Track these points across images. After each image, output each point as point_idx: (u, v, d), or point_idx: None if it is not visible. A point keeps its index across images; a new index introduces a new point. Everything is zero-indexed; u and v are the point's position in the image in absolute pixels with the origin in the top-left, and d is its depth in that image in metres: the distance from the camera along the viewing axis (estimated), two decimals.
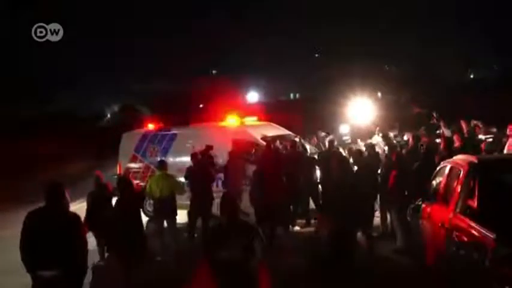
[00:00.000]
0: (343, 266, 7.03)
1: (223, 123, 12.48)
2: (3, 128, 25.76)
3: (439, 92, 30.79)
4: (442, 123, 12.21)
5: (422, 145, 10.35)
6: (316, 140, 12.62)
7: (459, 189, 6.02)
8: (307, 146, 12.21)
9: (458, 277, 5.60)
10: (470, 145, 9.81)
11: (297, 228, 10.70)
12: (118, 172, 12.98)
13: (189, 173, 10.07)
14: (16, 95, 34.71)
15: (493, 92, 28.93)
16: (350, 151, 10.84)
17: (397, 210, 8.58)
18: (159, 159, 11.02)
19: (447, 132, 11.27)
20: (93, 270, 7.19)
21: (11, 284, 6.70)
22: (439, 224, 6.26)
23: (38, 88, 38.62)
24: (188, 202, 10.05)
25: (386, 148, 10.44)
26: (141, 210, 7.52)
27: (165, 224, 9.43)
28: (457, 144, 9.87)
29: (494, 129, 11.39)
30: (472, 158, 6.49)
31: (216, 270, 4.66)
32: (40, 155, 22.43)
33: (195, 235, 9.88)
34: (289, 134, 12.83)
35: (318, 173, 11.12)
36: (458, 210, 5.83)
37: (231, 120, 12.27)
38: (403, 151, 10.11)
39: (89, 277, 6.09)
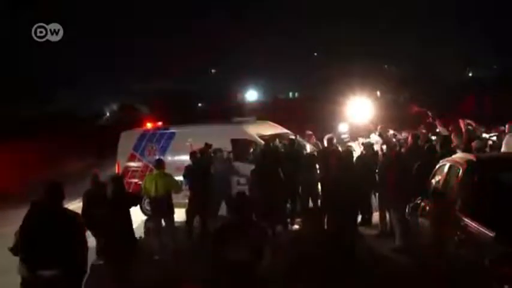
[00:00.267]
0: (342, 264, 7.01)
1: (221, 122, 12.47)
2: (3, 128, 25.71)
3: (438, 91, 30.83)
4: (437, 122, 12.20)
5: (424, 144, 10.34)
6: (314, 138, 12.59)
7: (458, 188, 6.01)
8: (307, 145, 12.19)
9: (457, 276, 5.58)
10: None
11: (296, 227, 10.68)
12: (117, 171, 12.97)
13: (188, 171, 10.05)
14: (16, 95, 34.66)
15: (492, 90, 28.97)
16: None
17: (396, 209, 8.56)
18: (157, 157, 11.01)
19: (444, 131, 11.26)
20: (90, 269, 7.18)
21: (12, 282, 6.64)
22: (438, 223, 6.24)
23: (38, 88, 38.60)
24: (185, 201, 10.03)
25: (384, 147, 10.42)
26: (130, 209, 7.47)
27: (163, 222, 9.41)
28: (454, 143, 9.86)
29: (483, 129, 11.42)
30: (471, 157, 6.47)
31: (220, 270, 4.63)
32: (40, 154, 22.40)
33: (193, 234, 9.88)
34: (288, 133, 12.82)
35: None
36: (457, 208, 5.81)
37: (229, 119, 12.26)
38: (402, 150, 10.08)
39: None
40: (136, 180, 11.84)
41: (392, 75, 43.21)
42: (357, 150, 11.32)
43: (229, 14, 52.76)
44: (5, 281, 6.74)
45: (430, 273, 6.57)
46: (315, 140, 12.55)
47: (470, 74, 47.23)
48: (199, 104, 45.49)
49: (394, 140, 11.66)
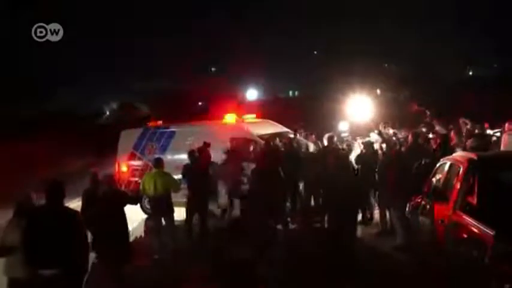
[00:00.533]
0: (342, 263, 7.02)
1: (221, 121, 12.46)
2: (4, 128, 25.69)
3: (438, 90, 30.82)
4: (435, 121, 12.22)
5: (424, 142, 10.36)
6: (314, 137, 12.59)
7: (459, 186, 6.01)
8: (311, 144, 12.19)
9: (457, 274, 5.58)
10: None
11: (296, 226, 10.67)
12: (116, 169, 12.97)
13: (187, 170, 10.04)
14: (16, 95, 34.63)
15: (492, 89, 28.96)
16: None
17: (396, 207, 8.56)
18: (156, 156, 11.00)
19: (442, 131, 11.28)
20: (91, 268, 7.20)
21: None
22: (439, 221, 6.24)
23: (38, 88, 38.57)
24: (184, 200, 10.02)
25: (384, 145, 10.43)
26: (130, 208, 7.49)
27: (163, 221, 9.41)
28: (454, 141, 9.87)
29: (478, 126, 11.44)
30: (472, 155, 6.47)
31: (223, 266, 4.65)
32: (40, 153, 22.40)
33: (192, 233, 9.88)
34: (288, 132, 12.81)
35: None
36: (457, 207, 5.81)
37: (230, 118, 12.25)
38: (402, 149, 10.08)
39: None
40: (136, 179, 11.84)
41: (392, 73, 43.20)
42: (357, 149, 11.34)
43: (229, 14, 52.82)
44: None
45: (430, 271, 6.58)
46: (315, 138, 12.55)
47: (470, 73, 47.23)
48: (199, 103, 45.42)
49: (394, 138, 11.68)
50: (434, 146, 9.73)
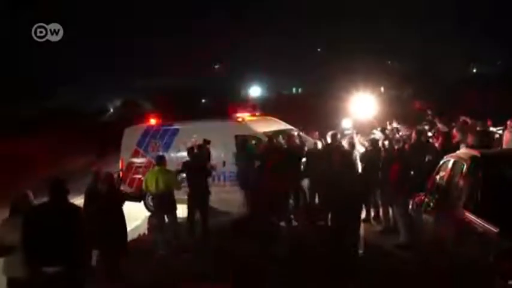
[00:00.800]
0: (344, 261, 7.02)
1: (225, 118, 12.47)
2: (4, 127, 25.71)
3: (441, 87, 30.77)
4: (437, 119, 12.22)
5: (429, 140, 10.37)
6: (318, 134, 12.58)
7: (462, 184, 6.00)
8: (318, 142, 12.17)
9: (461, 272, 5.57)
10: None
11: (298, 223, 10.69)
12: (120, 167, 13.00)
13: (186, 167, 10.07)
14: (16, 95, 34.66)
15: (496, 86, 28.88)
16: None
17: (399, 205, 8.56)
18: (160, 154, 11.02)
19: (444, 128, 11.28)
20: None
21: None
22: (442, 219, 6.24)
23: (38, 87, 38.58)
24: (185, 197, 10.05)
25: (386, 143, 10.43)
26: (123, 208, 7.51)
27: (166, 219, 9.44)
28: (456, 139, 9.86)
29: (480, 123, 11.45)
30: (475, 152, 6.46)
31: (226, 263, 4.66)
32: (41, 152, 22.42)
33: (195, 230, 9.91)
34: (292, 129, 12.82)
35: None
36: (461, 204, 5.80)
37: (233, 115, 12.26)
38: (406, 146, 10.08)
39: None
40: (140, 176, 11.86)
41: (395, 71, 43.13)
42: (357, 146, 11.34)
43: (231, 12, 52.80)
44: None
45: (433, 270, 6.58)
46: (318, 135, 12.53)
47: (474, 70, 47.11)
48: (203, 100, 45.47)
49: (397, 135, 11.67)
50: (436, 144, 9.73)
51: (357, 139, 11.74)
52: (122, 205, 7.36)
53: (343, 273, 6.82)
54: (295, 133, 12.05)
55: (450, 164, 6.84)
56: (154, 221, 10.25)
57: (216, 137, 11.36)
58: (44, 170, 16.62)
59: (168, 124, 13.17)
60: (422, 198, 7.50)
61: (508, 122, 10.48)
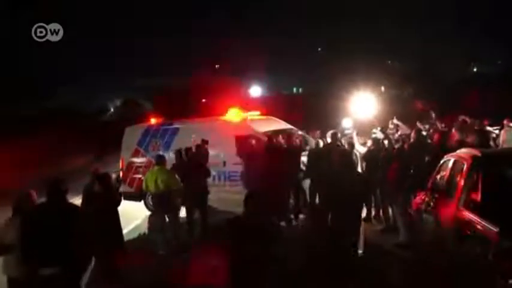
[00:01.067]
0: (344, 261, 7.00)
1: (225, 118, 12.46)
2: (4, 127, 25.71)
3: (442, 87, 30.77)
4: (438, 122, 12.27)
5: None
6: (319, 133, 12.58)
7: (462, 183, 6.00)
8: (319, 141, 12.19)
9: (461, 271, 5.58)
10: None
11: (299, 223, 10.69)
12: (121, 166, 13.00)
13: (183, 167, 10.09)
14: (16, 95, 34.68)
15: (496, 86, 28.88)
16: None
17: (398, 204, 8.55)
18: (161, 153, 11.01)
19: (443, 129, 11.32)
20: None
21: None
22: (443, 218, 6.24)
23: (38, 87, 38.62)
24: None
25: (386, 142, 10.44)
26: (129, 206, 7.52)
27: (167, 218, 9.44)
28: (455, 138, 9.87)
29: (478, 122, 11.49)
30: (476, 152, 6.46)
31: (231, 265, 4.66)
32: (41, 151, 22.42)
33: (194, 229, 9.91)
34: (292, 128, 12.82)
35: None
36: (461, 203, 5.80)
37: (233, 115, 12.25)
38: (405, 145, 10.08)
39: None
40: (140, 176, 11.85)
41: (395, 70, 43.12)
42: (357, 146, 11.34)
43: (231, 12, 52.90)
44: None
45: (433, 269, 6.58)
46: (319, 135, 12.53)
47: (474, 70, 47.11)
48: (203, 100, 45.45)
49: (396, 135, 11.69)
50: (433, 142, 9.75)
51: (357, 139, 11.75)
52: (117, 206, 7.35)
53: (343, 273, 6.81)
54: (298, 133, 12.05)
55: (450, 164, 6.84)
56: (154, 221, 10.24)
57: (216, 136, 11.35)
58: (44, 170, 16.60)
59: (168, 123, 13.16)
60: (423, 197, 7.50)
61: (505, 122, 10.53)
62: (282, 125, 13.09)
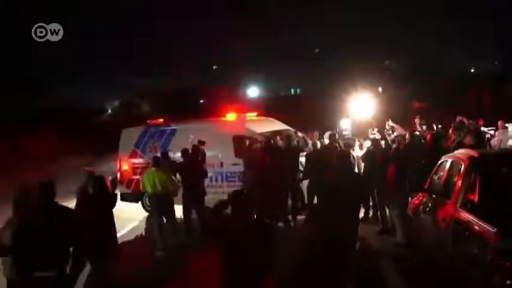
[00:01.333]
0: (342, 262, 6.96)
1: (223, 119, 12.45)
2: (3, 127, 25.67)
3: (439, 87, 30.83)
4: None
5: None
6: (317, 134, 12.57)
7: (460, 184, 6.00)
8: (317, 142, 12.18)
9: (459, 271, 5.57)
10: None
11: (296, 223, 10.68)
12: (118, 167, 12.97)
13: (181, 168, 10.08)
14: (16, 95, 34.64)
15: (493, 87, 28.95)
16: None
17: (396, 205, 8.55)
18: (158, 154, 11.00)
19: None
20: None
21: None
22: (440, 219, 6.24)
23: (38, 87, 38.58)
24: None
25: (382, 143, 10.45)
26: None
27: (164, 219, 9.43)
28: (452, 139, 9.90)
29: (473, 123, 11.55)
30: (473, 152, 6.47)
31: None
32: (40, 150, 22.41)
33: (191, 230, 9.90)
34: (289, 129, 12.81)
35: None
36: (459, 204, 5.80)
37: (231, 116, 12.25)
38: (401, 146, 10.09)
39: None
40: (138, 177, 11.82)
41: (394, 71, 43.18)
42: (356, 149, 11.34)
43: (230, 12, 52.93)
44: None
45: (432, 270, 6.57)
46: (318, 136, 12.52)
47: (472, 70, 47.20)
48: (201, 101, 45.46)
49: (392, 136, 11.70)
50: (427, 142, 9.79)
51: (357, 143, 11.77)
52: (112, 208, 7.32)
53: (341, 274, 6.80)
54: (297, 134, 12.05)
55: (448, 164, 6.84)
56: (152, 222, 10.23)
57: (214, 137, 11.34)
58: (43, 169, 16.59)
59: (166, 124, 13.13)
60: (420, 198, 7.50)
61: (499, 123, 10.55)
62: (280, 126, 13.09)
